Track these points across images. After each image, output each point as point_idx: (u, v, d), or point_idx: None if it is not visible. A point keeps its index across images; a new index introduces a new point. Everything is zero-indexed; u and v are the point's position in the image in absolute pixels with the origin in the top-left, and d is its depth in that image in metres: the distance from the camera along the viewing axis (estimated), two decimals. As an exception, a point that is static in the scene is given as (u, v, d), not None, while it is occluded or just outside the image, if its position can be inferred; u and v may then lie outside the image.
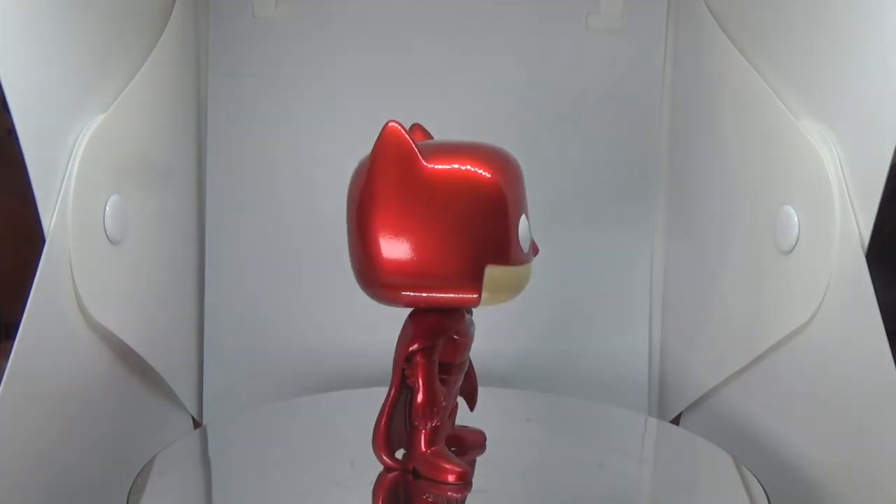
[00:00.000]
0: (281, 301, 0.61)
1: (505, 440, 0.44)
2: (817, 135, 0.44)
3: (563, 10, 0.60)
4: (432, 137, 0.42)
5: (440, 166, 0.36)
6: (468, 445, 0.42)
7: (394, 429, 0.40)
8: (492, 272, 0.37)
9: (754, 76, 0.50)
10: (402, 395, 0.39)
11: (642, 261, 0.62)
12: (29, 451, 0.41)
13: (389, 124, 0.36)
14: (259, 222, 0.61)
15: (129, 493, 0.39)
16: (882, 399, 0.40)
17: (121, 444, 0.49)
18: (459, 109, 0.60)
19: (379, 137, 0.36)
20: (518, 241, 0.37)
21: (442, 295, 0.37)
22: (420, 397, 0.37)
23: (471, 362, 0.42)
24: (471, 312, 0.41)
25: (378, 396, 0.40)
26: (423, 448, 0.39)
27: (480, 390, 0.43)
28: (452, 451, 0.40)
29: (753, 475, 0.42)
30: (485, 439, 0.43)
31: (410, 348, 0.38)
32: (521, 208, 0.38)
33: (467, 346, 0.40)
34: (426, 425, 0.38)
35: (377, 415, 0.39)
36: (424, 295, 0.37)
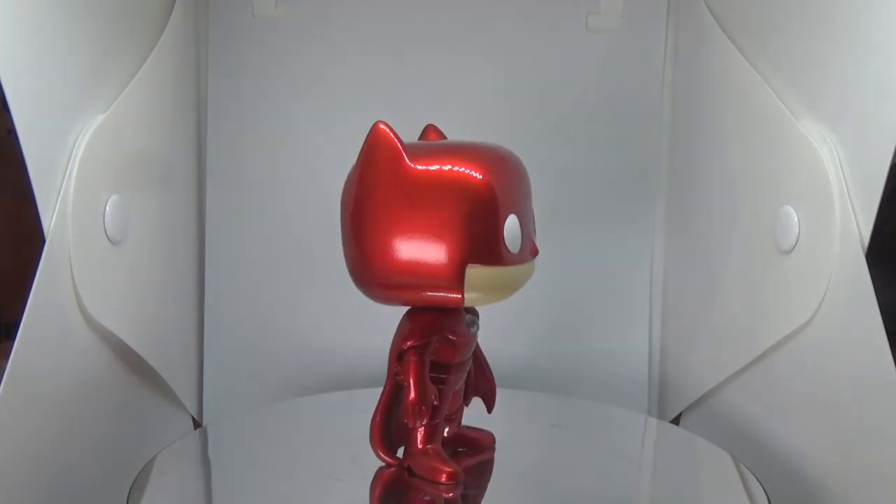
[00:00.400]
0: (281, 301, 0.61)
1: (505, 440, 0.44)
2: (817, 135, 0.44)
3: (563, 10, 0.60)
4: (445, 137, 0.42)
5: (424, 166, 0.37)
6: (475, 446, 0.42)
7: (392, 425, 0.40)
8: (474, 272, 0.36)
9: (754, 76, 0.50)
10: (398, 392, 0.39)
11: (642, 261, 0.62)
12: (29, 450, 0.41)
13: (377, 124, 0.37)
14: (259, 222, 0.61)
15: (129, 493, 0.39)
16: (882, 399, 0.40)
17: (121, 444, 0.49)
18: (459, 109, 0.60)
19: (367, 137, 0.37)
20: (504, 241, 0.37)
21: (426, 294, 0.37)
22: (408, 395, 0.37)
23: (486, 363, 0.43)
24: (475, 312, 0.41)
25: (378, 397, 0.40)
26: (419, 446, 0.39)
27: None
28: (461, 451, 0.41)
29: (753, 475, 0.42)
30: (493, 441, 0.43)
31: (402, 346, 0.38)
32: (511, 209, 0.37)
33: (466, 347, 0.40)
34: (415, 423, 0.38)
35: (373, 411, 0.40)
36: (409, 294, 0.38)
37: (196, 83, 0.60)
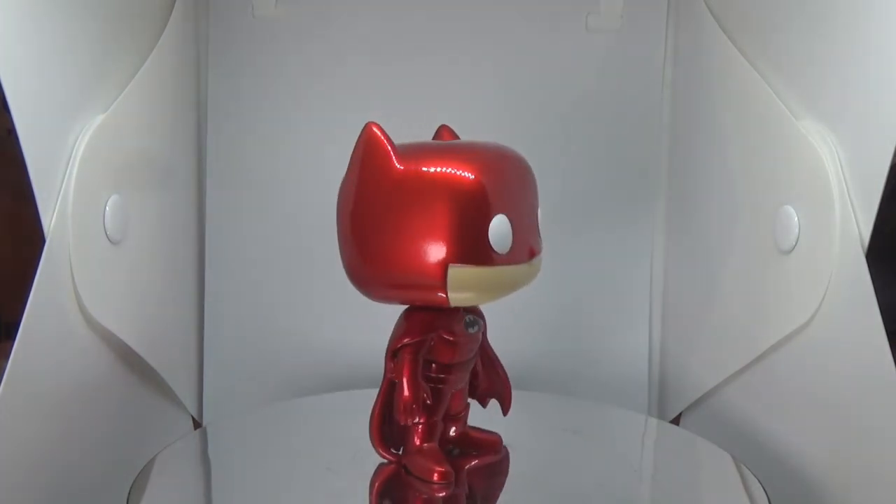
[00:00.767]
0: (281, 301, 0.61)
1: (504, 440, 0.43)
2: (817, 135, 0.44)
3: (563, 10, 0.60)
4: (458, 137, 0.42)
5: (410, 167, 0.37)
6: (479, 447, 0.42)
7: (392, 422, 0.40)
8: (457, 272, 0.36)
9: (754, 76, 0.50)
10: (395, 390, 0.39)
11: (642, 261, 0.62)
12: (29, 450, 0.41)
13: (368, 125, 0.37)
14: (259, 222, 0.61)
15: (129, 493, 0.39)
16: (882, 399, 0.40)
17: (121, 444, 0.49)
18: (460, 109, 0.60)
19: (358, 138, 0.37)
20: (488, 241, 0.36)
21: (413, 293, 0.38)
22: (400, 393, 0.38)
23: (500, 364, 0.42)
24: (477, 313, 0.40)
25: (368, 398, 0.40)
26: (415, 444, 0.40)
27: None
28: (465, 452, 0.41)
29: (753, 475, 0.42)
30: (500, 443, 0.43)
31: (396, 344, 0.38)
32: (500, 209, 0.37)
33: (466, 347, 0.40)
34: (406, 421, 0.38)
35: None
36: (398, 293, 0.38)
37: (196, 83, 0.60)
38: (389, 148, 0.37)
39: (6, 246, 0.57)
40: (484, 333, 0.42)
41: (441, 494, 0.38)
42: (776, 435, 0.48)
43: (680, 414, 0.59)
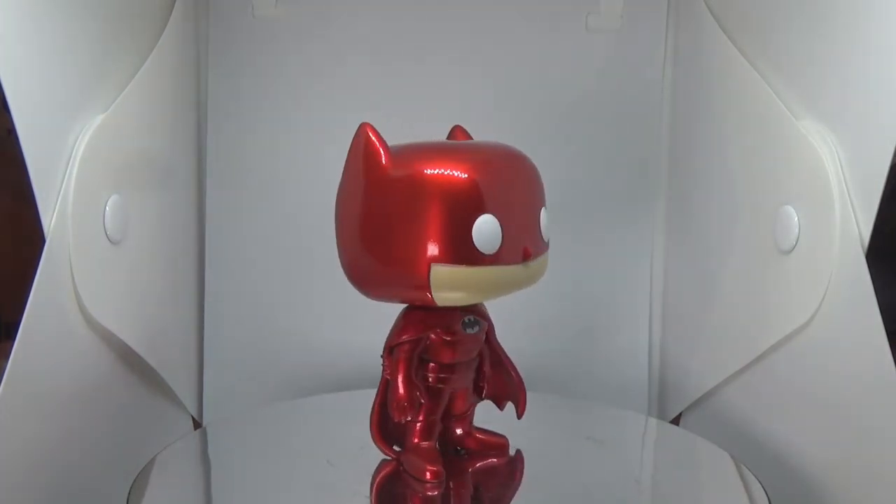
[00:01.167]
0: (281, 301, 0.61)
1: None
2: (817, 135, 0.44)
3: (563, 10, 0.60)
4: (471, 138, 0.42)
5: (397, 166, 0.37)
6: (484, 447, 0.42)
7: (391, 420, 0.40)
8: (439, 271, 0.36)
9: (754, 76, 0.50)
10: None
11: (642, 261, 0.62)
12: (29, 450, 0.41)
13: (361, 125, 0.38)
14: (259, 222, 0.61)
15: (129, 493, 0.39)
16: (882, 399, 0.40)
17: (121, 444, 0.49)
18: (459, 109, 0.60)
19: (353, 138, 0.38)
20: (472, 240, 0.36)
21: (402, 292, 0.38)
22: (393, 391, 0.38)
23: (513, 365, 0.42)
24: (479, 313, 0.40)
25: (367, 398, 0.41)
26: (413, 442, 0.40)
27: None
28: (469, 453, 0.41)
29: (753, 475, 0.42)
30: (505, 444, 0.43)
31: (391, 343, 0.39)
32: (487, 208, 0.36)
33: (465, 347, 0.40)
34: (399, 418, 0.38)
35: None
36: (389, 291, 0.39)
37: (196, 83, 0.60)
38: (379, 147, 0.37)
39: (6, 246, 0.57)
40: (491, 334, 0.42)
41: (432, 493, 0.39)
42: (776, 435, 0.48)
43: (680, 414, 0.59)
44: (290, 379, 0.61)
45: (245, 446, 0.46)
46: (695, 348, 0.58)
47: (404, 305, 0.40)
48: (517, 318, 0.60)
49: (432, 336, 0.39)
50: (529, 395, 0.43)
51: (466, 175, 0.36)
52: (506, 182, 0.38)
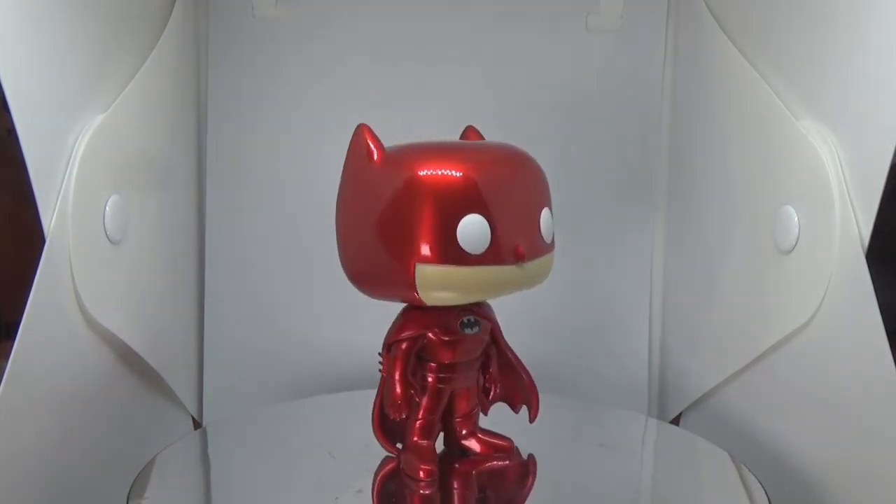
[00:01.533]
0: (281, 301, 0.61)
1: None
2: (817, 135, 0.44)
3: (563, 10, 0.60)
4: (483, 138, 0.42)
5: (387, 166, 0.37)
6: (490, 450, 0.42)
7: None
8: (423, 270, 0.36)
9: (754, 76, 0.50)
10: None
11: (642, 261, 0.62)
12: (29, 450, 0.41)
13: (358, 126, 0.38)
14: (259, 222, 0.61)
15: (129, 493, 0.39)
16: (882, 399, 0.40)
17: (121, 444, 0.49)
18: (459, 109, 0.60)
19: (351, 138, 0.39)
20: (456, 239, 0.36)
21: (393, 290, 0.38)
22: (387, 389, 0.39)
23: (524, 368, 0.42)
24: (480, 314, 0.40)
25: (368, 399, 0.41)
26: (411, 441, 0.40)
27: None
28: (472, 454, 0.41)
29: (753, 475, 0.42)
30: (510, 447, 0.42)
31: (388, 341, 0.39)
32: (473, 208, 0.36)
33: (464, 347, 0.40)
34: (394, 416, 0.39)
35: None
36: (381, 290, 0.39)
37: (196, 83, 0.60)
38: (372, 146, 0.38)
39: (6, 246, 0.57)
40: (499, 336, 0.42)
41: (426, 492, 0.39)
42: (776, 435, 0.48)
43: (680, 414, 0.59)
44: (291, 379, 0.61)
45: (245, 446, 0.46)
46: (695, 348, 0.58)
47: (404, 304, 0.40)
48: (517, 317, 0.60)
49: (431, 335, 0.39)
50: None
51: (452, 175, 0.36)
52: (499, 182, 0.37)
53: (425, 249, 0.36)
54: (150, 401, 0.53)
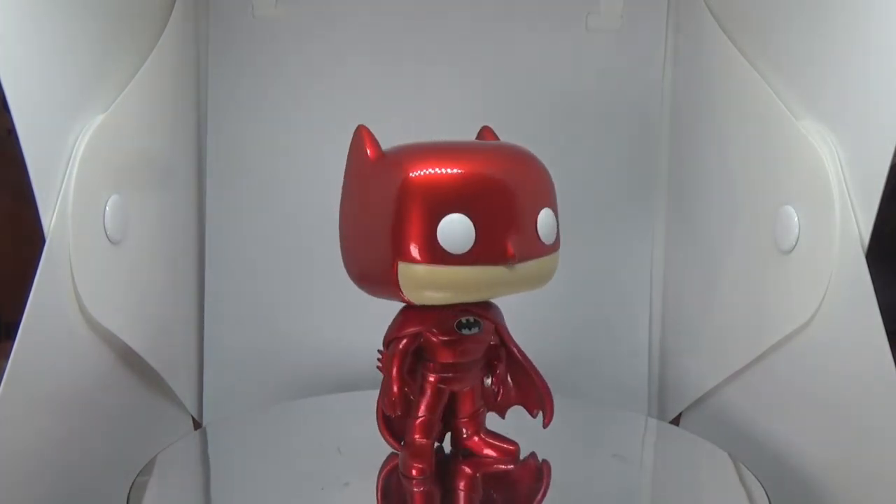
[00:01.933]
0: (281, 301, 0.61)
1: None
2: (817, 135, 0.44)
3: (563, 10, 0.60)
4: (498, 139, 0.42)
5: (379, 166, 0.38)
6: (493, 452, 0.42)
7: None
8: (405, 269, 0.37)
9: (754, 76, 0.50)
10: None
11: (642, 261, 0.62)
12: (29, 450, 0.41)
13: (357, 126, 0.39)
14: (259, 222, 0.61)
15: (129, 493, 0.39)
16: (882, 399, 0.40)
17: (121, 444, 0.49)
18: (459, 109, 0.60)
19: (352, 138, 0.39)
20: (437, 238, 0.36)
21: (383, 289, 0.38)
22: (383, 385, 0.39)
23: (536, 371, 0.41)
24: (480, 314, 0.40)
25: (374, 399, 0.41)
26: (410, 438, 0.40)
27: None
28: (475, 455, 0.41)
29: (753, 475, 0.42)
30: (514, 451, 0.42)
31: (387, 339, 0.40)
32: (456, 208, 0.36)
33: (462, 348, 0.40)
34: (389, 412, 0.39)
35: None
36: (375, 288, 0.39)
37: (196, 83, 0.60)
38: (368, 146, 0.38)
39: (6, 246, 0.57)
40: (507, 339, 0.41)
41: (417, 489, 0.39)
42: (776, 435, 0.48)
43: (680, 414, 0.59)
44: (291, 379, 0.61)
45: (245, 446, 0.46)
46: (695, 348, 0.58)
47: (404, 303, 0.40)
48: (517, 318, 0.60)
49: (429, 334, 0.39)
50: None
51: (435, 174, 0.37)
52: (487, 182, 0.37)
53: (407, 248, 0.36)
54: (150, 401, 0.53)
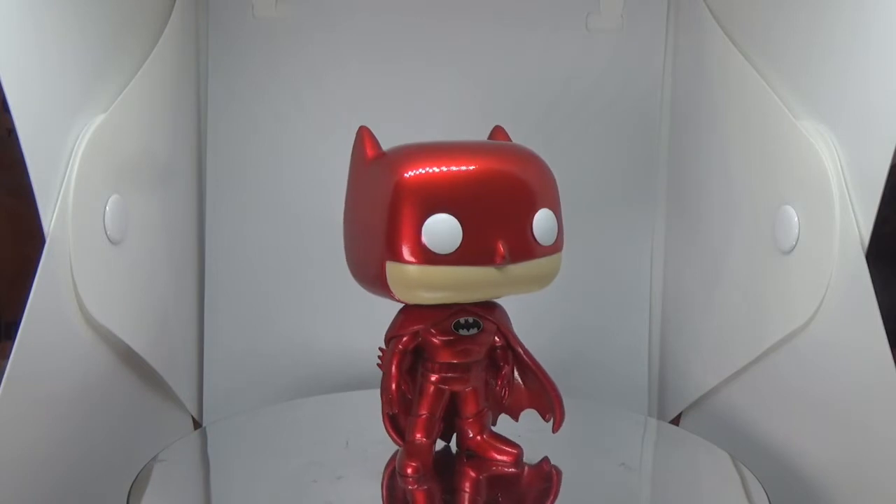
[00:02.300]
0: (281, 301, 0.61)
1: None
2: (817, 135, 0.44)
3: (563, 10, 0.60)
4: (510, 139, 0.42)
5: (374, 165, 0.38)
6: (495, 454, 0.42)
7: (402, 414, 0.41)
8: (392, 268, 0.37)
9: (754, 76, 0.50)
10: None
11: (642, 261, 0.62)
12: (29, 450, 0.41)
13: (360, 127, 0.39)
14: (259, 222, 0.61)
15: (129, 493, 0.39)
16: (882, 399, 0.40)
17: (121, 444, 0.49)
18: (459, 109, 0.60)
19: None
20: (421, 238, 0.36)
21: (376, 288, 0.39)
22: (381, 382, 0.40)
23: (545, 375, 0.41)
24: (480, 315, 0.40)
25: (374, 398, 0.41)
26: (410, 437, 0.40)
27: None
28: (476, 456, 0.41)
29: (753, 475, 0.42)
30: (515, 455, 0.41)
31: (387, 337, 0.40)
32: (440, 207, 0.36)
33: (463, 348, 0.40)
34: (386, 410, 0.40)
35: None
36: (371, 286, 0.39)
37: (196, 83, 0.60)
38: (367, 147, 0.39)
39: (7, 245, 0.57)
40: (513, 341, 0.41)
41: (411, 487, 0.39)
42: (776, 435, 0.48)
43: (680, 414, 0.59)
44: (291, 379, 0.61)
45: (245, 446, 0.46)
46: (695, 348, 0.58)
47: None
48: (516, 317, 0.60)
49: (429, 334, 0.39)
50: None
51: (422, 174, 0.37)
52: (477, 182, 0.37)
53: (394, 248, 0.37)
54: (150, 401, 0.53)
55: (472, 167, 0.38)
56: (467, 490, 0.40)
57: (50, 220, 0.40)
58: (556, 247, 0.39)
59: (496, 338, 0.41)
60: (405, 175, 0.37)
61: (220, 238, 0.61)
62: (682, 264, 0.60)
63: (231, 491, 0.41)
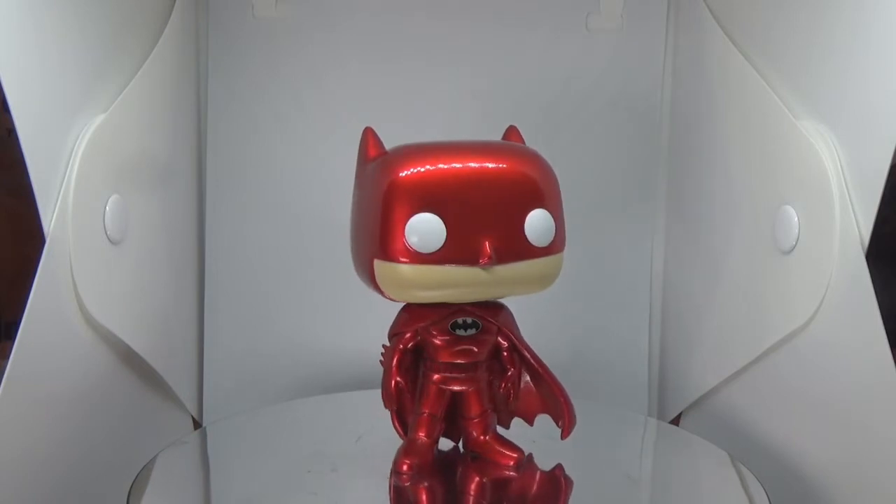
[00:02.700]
0: (281, 301, 0.61)
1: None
2: (817, 135, 0.44)
3: (563, 10, 0.60)
4: (523, 140, 0.42)
5: (371, 165, 0.39)
6: (496, 457, 0.41)
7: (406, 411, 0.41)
8: (379, 266, 0.37)
9: (754, 76, 0.50)
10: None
11: (642, 261, 0.62)
12: (29, 450, 0.41)
13: (365, 128, 0.40)
14: (259, 222, 0.61)
15: (129, 493, 0.39)
16: (882, 399, 0.40)
17: (121, 444, 0.49)
18: (459, 109, 0.60)
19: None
20: (404, 237, 0.36)
21: (368, 284, 0.39)
22: (382, 379, 0.40)
23: (553, 380, 0.40)
24: (479, 315, 0.40)
25: (378, 397, 0.41)
26: (411, 434, 0.40)
27: None
28: (478, 458, 0.41)
29: (753, 475, 0.42)
30: (517, 459, 0.41)
31: (389, 333, 0.41)
32: (427, 207, 0.36)
33: (463, 349, 0.40)
34: (385, 406, 0.40)
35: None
36: (364, 283, 0.40)
37: (196, 83, 0.60)
38: (369, 146, 0.39)
39: (7, 245, 0.57)
40: (518, 343, 0.40)
41: (405, 485, 0.39)
42: (776, 435, 0.48)
43: (680, 414, 0.59)
44: (291, 379, 0.61)
45: (245, 446, 0.46)
46: (695, 348, 0.58)
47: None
48: (516, 317, 0.60)
49: (429, 334, 0.39)
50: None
51: (408, 174, 0.37)
52: (463, 182, 0.37)
53: (380, 246, 0.37)
54: (150, 401, 0.53)
55: (459, 167, 0.38)
56: (468, 490, 0.40)
57: (50, 220, 0.40)
58: (554, 248, 0.39)
59: (501, 340, 0.40)
60: (396, 175, 0.37)
61: (220, 238, 0.61)
62: (682, 264, 0.60)
63: (231, 491, 0.41)
